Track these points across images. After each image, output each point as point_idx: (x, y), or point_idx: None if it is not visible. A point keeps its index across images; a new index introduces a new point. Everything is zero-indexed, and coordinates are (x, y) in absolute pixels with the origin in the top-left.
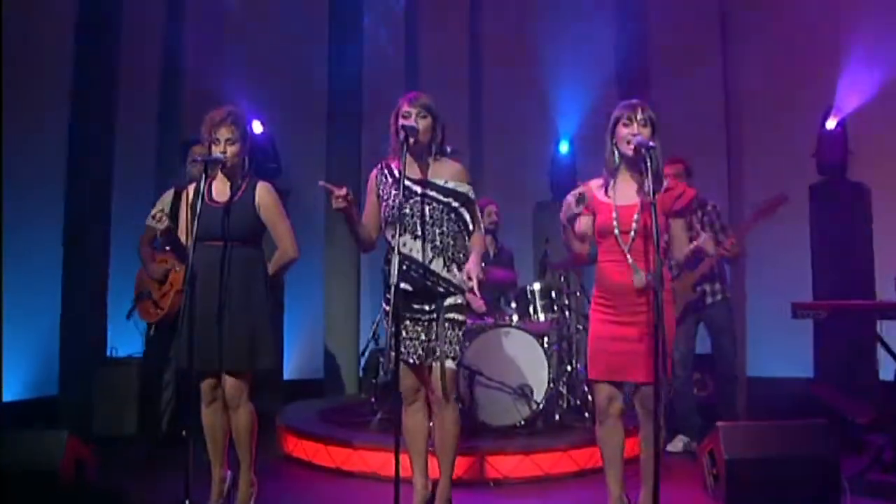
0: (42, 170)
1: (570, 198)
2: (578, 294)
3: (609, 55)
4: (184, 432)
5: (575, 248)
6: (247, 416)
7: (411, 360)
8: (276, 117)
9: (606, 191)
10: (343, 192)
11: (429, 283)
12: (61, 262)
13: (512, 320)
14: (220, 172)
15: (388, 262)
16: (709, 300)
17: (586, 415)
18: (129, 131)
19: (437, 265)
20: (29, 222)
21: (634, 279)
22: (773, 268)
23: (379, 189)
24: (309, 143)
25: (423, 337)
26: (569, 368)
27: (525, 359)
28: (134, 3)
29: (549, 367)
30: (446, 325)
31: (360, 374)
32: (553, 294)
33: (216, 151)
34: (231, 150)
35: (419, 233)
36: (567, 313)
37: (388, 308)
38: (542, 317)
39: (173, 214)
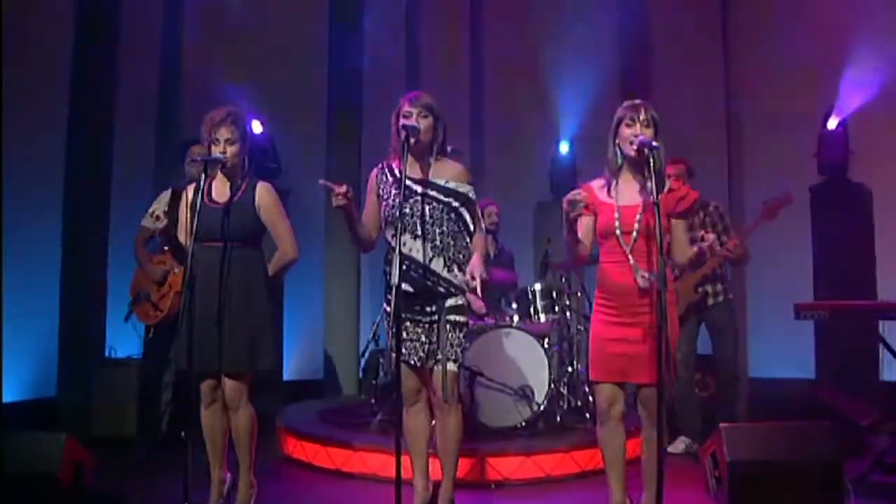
0: (41, 170)
1: (566, 204)
2: (579, 295)
3: (610, 55)
4: (183, 434)
5: (577, 249)
6: (246, 417)
7: (412, 362)
8: (276, 117)
9: (609, 191)
10: (343, 189)
11: (429, 284)
12: (60, 262)
13: (513, 321)
14: (219, 172)
15: (389, 262)
16: (710, 301)
17: (587, 416)
18: (128, 131)
19: (437, 265)
20: (28, 223)
21: (639, 279)
22: (774, 268)
23: (379, 188)
24: (309, 142)
25: (424, 339)
26: (570, 369)
27: (526, 360)
28: (133, 3)
29: (549, 367)
30: (448, 327)
31: (360, 375)
32: (554, 295)
33: (216, 151)
34: (231, 150)
35: (419, 232)
36: (568, 314)
37: (389, 309)
38: (542, 317)
39: (171, 214)
